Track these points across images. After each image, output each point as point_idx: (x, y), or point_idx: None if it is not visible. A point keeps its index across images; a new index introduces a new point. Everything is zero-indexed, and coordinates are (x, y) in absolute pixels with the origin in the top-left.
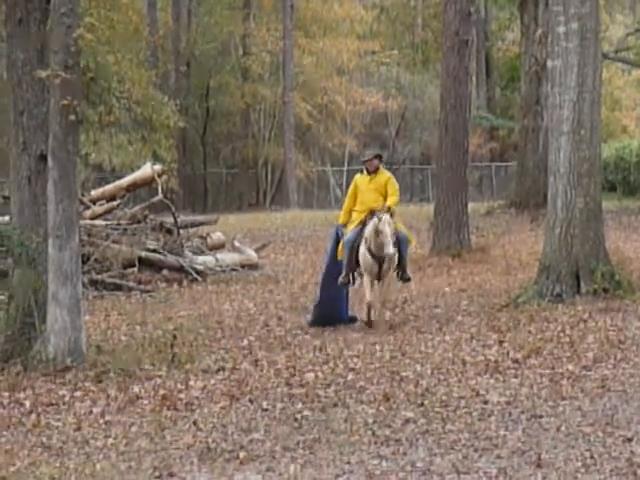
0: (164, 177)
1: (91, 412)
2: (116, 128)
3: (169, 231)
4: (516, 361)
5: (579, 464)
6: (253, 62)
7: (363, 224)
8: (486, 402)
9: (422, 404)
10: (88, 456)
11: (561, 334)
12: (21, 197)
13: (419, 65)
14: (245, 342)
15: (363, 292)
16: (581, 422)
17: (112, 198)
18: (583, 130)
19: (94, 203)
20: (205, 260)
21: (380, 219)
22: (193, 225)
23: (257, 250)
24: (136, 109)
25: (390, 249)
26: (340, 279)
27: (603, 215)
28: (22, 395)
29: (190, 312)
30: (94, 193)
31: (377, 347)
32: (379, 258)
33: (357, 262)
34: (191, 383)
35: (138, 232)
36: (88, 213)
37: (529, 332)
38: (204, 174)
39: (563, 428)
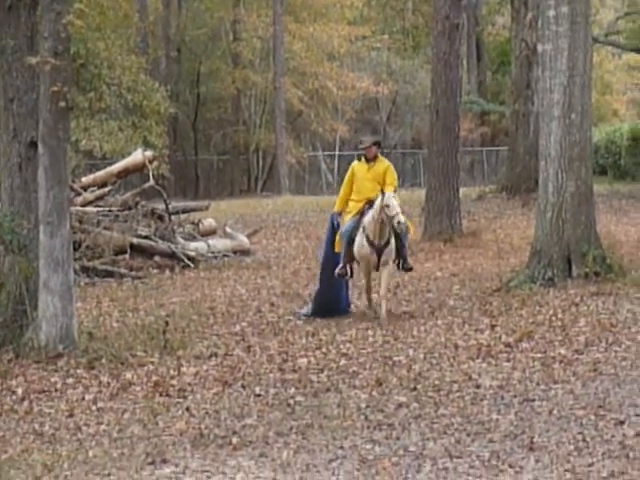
0: (155, 163)
1: (83, 399)
2: (107, 114)
3: (160, 217)
4: (508, 345)
5: (571, 447)
6: (244, 48)
7: (361, 214)
8: (478, 386)
9: (415, 388)
10: (81, 443)
11: (553, 318)
12: (11, 184)
13: (410, 50)
14: (237, 328)
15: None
16: (573, 405)
17: (103, 185)
18: (574, 114)
19: (85, 190)
20: (197, 246)
21: (384, 195)
22: (184, 211)
23: (249, 236)
24: (126, 95)
25: (401, 217)
26: (337, 271)
27: (594, 199)
28: (14, 382)
29: (182, 298)
30: (85, 180)
31: (369, 332)
32: (378, 248)
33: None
34: (183, 369)
35: (129, 219)
36: (79, 200)
37: (521, 316)
38: (195, 160)
39: (555, 411)
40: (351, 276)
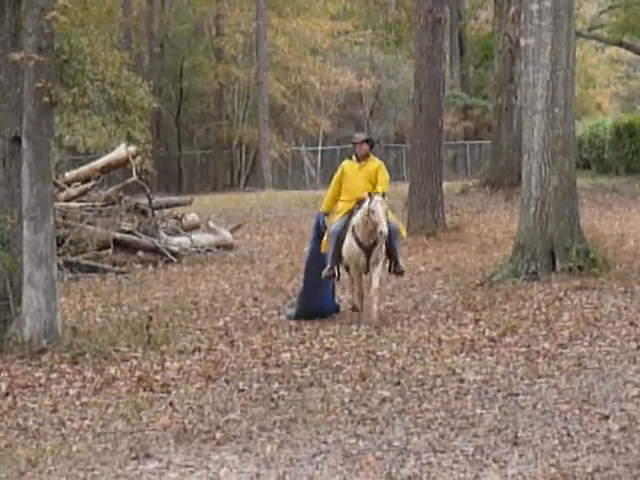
0: (138, 158)
1: (67, 394)
2: (90, 110)
3: (144, 212)
4: (492, 339)
5: (556, 442)
6: (226, 43)
7: (350, 214)
8: (462, 381)
9: (398, 383)
10: (64, 438)
11: (537, 312)
12: None
13: (392, 44)
14: (221, 323)
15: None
16: (557, 400)
17: (86, 180)
18: (557, 108)
19: (69, 185)
20: (180, 241)
21: (372, 199)
22: (168, 206)
23: (232, 231)
24: (110, 91)
25: (384, 227)
26: (325, 272)
27: (577, 193)
28: None
29: (165, 293)
30: (68, 175)
31: (353, 327)
32: (367, 248)
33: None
34: (167, 364)
35: (113, 214)
36: (63, 195)
37: (505, 310)
38: (178, 155)
39: (539, 406)
40: (338, 278)
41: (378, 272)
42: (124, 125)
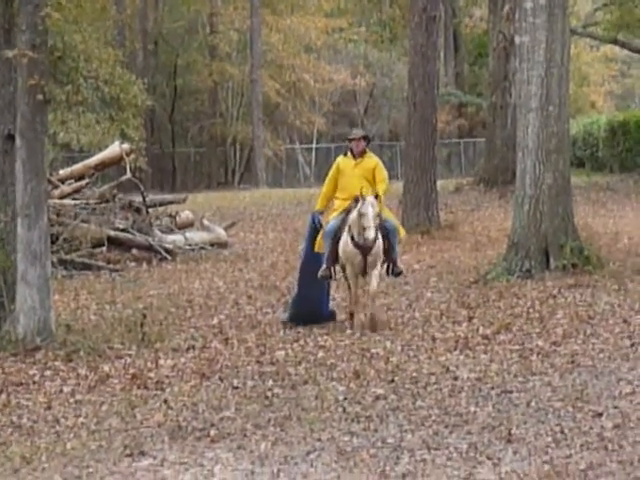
0: (132, 156)
1: (61, 391)
2: (84, 107)
3: (138, 210)
4: (486, 337)
5: (549, 439)
6: (220, 40)
7: (347, 212)
8: (456, 378)
9: (392, 381)
10: (59, 435)
11: (530, 310)
12: None
13: (387, 42)
14: (215, 320)
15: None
16: (551, 397)
17: (80, 177)
18: (551, 106)
19: (62, 182)
20: (174, 239)
21: (364, 201)
22: (162, 204)
23: (226, 228)
24: (104, 88)
25: (371, 233)
26: (320, 272)
27: (572, 191)
28: None
29: (160, 291)
30: (62, 172)
31: (347, 324)
32: (363, 249)
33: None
34: (161, 362)
35: (107, 211)
36: (57, 192)
37: (498, 308)
38: (172, 153)
39: (533, 403)
40: (334, 278)
41: (376, 274)
42: (118, 123)
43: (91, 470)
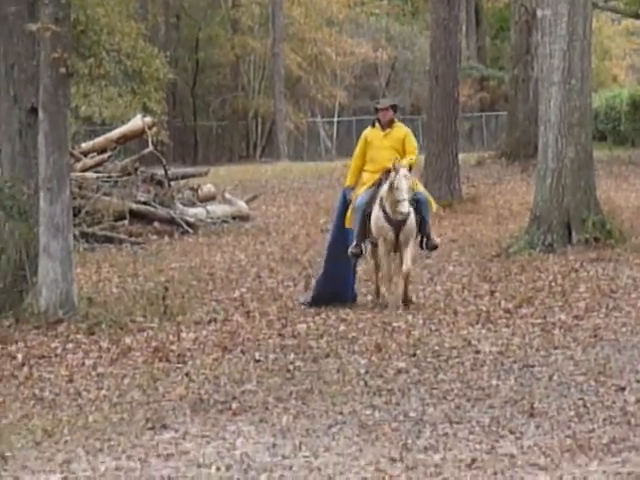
0: (154, 129)
1: (83, 364)
2: (106, 81)
3: (160, 183)
4: (508, 311)
5: (572, 413)
6: (242, 14)
7: (378, 185)
8: (478, 352)
9: (414, 354)
10: (81, 408)
11: (552, 284)
12: (12, 150)
13: (409, 15)
14: (237, 294)
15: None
16: (573, 371)
17: (102, 151)
18: (574, 80)
19: (85, 156)
20: (196, 212)
21: (397, 172)
22: (184, 177)
23: (248, 202)
24: (126, 61)
25: (405, 207)
26: (350, 249)
27: (594, 165)
28: (14, 348)
29: (181, 264)
30: (84, 146)
31: (369, 297)
32: (396, 223)
33: (370, 229)
34: (183, 335)
35: (129, 184)
36: (79, 165)
37: (520, 282)
38: (194, 126)
39: (555, 377)
40: (364, 255)
41: (410, 253)
42: (140, 96)
43: (113, 443)
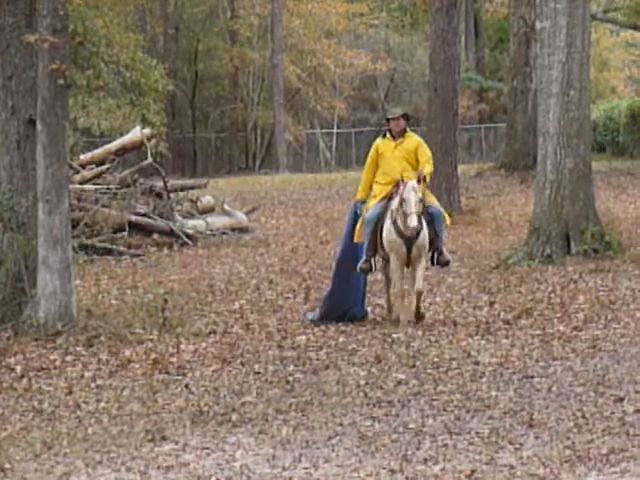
0: (153, 141)
1: (82, 376)
2: (105, 92)
3: (159, 195)
4: (507, 322)
5: (571, 424)
6: (241, 25)
7: (388, 198)
8: (477, 363)
9: (414, 366)
10: (80, 420)
11: (552, 295)
12: (10, 161)
13: (408, 27)
14: (236, 305)
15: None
16: (573, 382)
17: (101, 162)
18: (572, 91)
19: (83, 167)
20: (195, 224)
21: (405, 185)
22: (183, 189)
23: (247, 213)
24: (125, 73)
25: (413, 221)
26: (360, 265)
27: (592, 176)
28: (13, 360)
29: (181, 276)
30: (83, 157)
31: (368, 309)
32: (408, 238)
33: (381, 244)
34: (182, 347)
35: (128, 196)
36: (77, 177)
37: (520, 293)
38: (193, 138)
39: (555, 388)
40: (374, 271)
41: (421, 270)
42: (139, 107)
43: (112, 455)
